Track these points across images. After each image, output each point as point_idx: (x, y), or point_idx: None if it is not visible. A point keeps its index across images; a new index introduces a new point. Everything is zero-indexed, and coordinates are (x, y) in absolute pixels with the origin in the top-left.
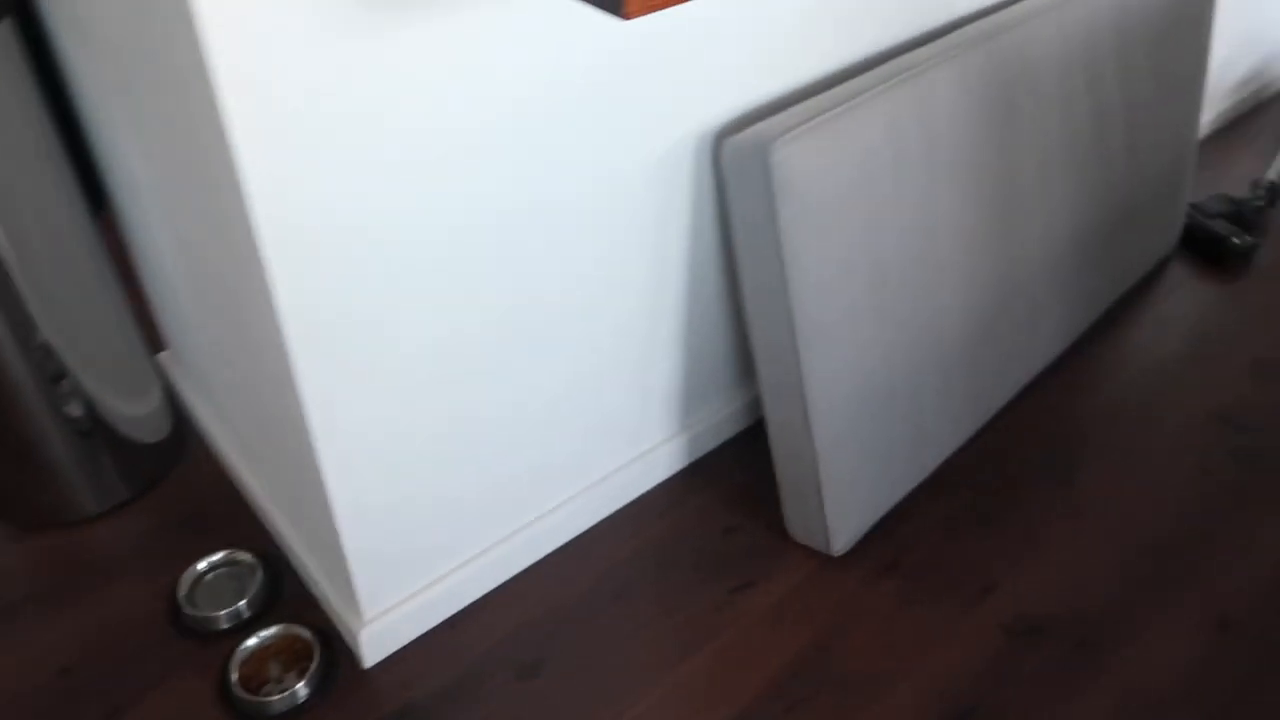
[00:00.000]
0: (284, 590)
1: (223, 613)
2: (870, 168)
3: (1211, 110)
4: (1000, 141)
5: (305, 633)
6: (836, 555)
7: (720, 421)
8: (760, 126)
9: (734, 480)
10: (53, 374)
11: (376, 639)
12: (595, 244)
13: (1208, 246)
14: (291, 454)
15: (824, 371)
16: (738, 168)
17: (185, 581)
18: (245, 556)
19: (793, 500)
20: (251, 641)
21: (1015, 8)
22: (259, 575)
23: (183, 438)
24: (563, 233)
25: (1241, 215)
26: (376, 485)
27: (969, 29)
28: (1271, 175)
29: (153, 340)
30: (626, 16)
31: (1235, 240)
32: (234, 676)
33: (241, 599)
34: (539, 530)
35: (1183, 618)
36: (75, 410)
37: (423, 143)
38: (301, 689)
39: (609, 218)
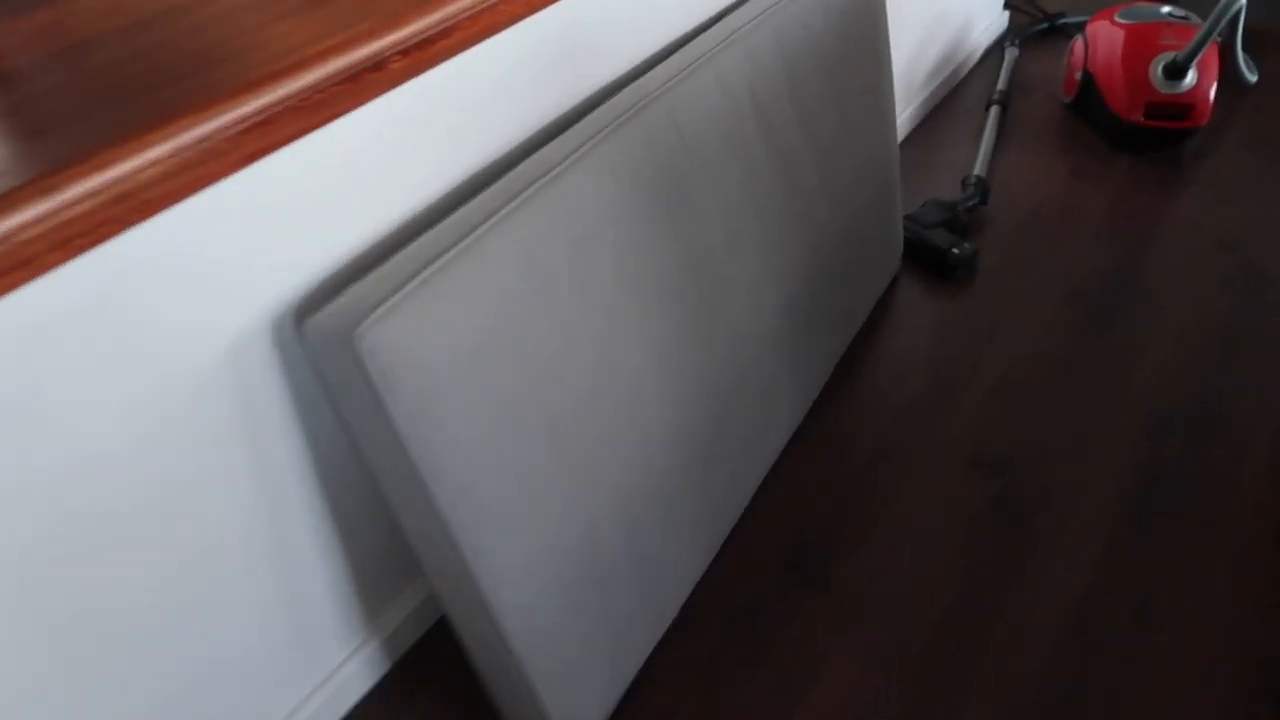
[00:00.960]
0: None
1: None
2: (507, 313)
3: (910, 106)
4: (673, 226)
5: None
6: None
7: (419, 609)
8: (344, 301)
9: (449, 672)
10: None
11: None
12: (150, 498)
13: (930, 260)
14: None
15: (501, 564)
16: (325, 356)
17: None
18: None
19: (508, 703)
20: None
21: (659, 70)
22: None
23: None
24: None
25: (957, 220)
26: None
27: (606, 108)
28: (978, 170)
29: None
30: None
31: (955, 251)
32: None
33: None
34: None
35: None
36: None
37: None
38: None
39: (162, 446)
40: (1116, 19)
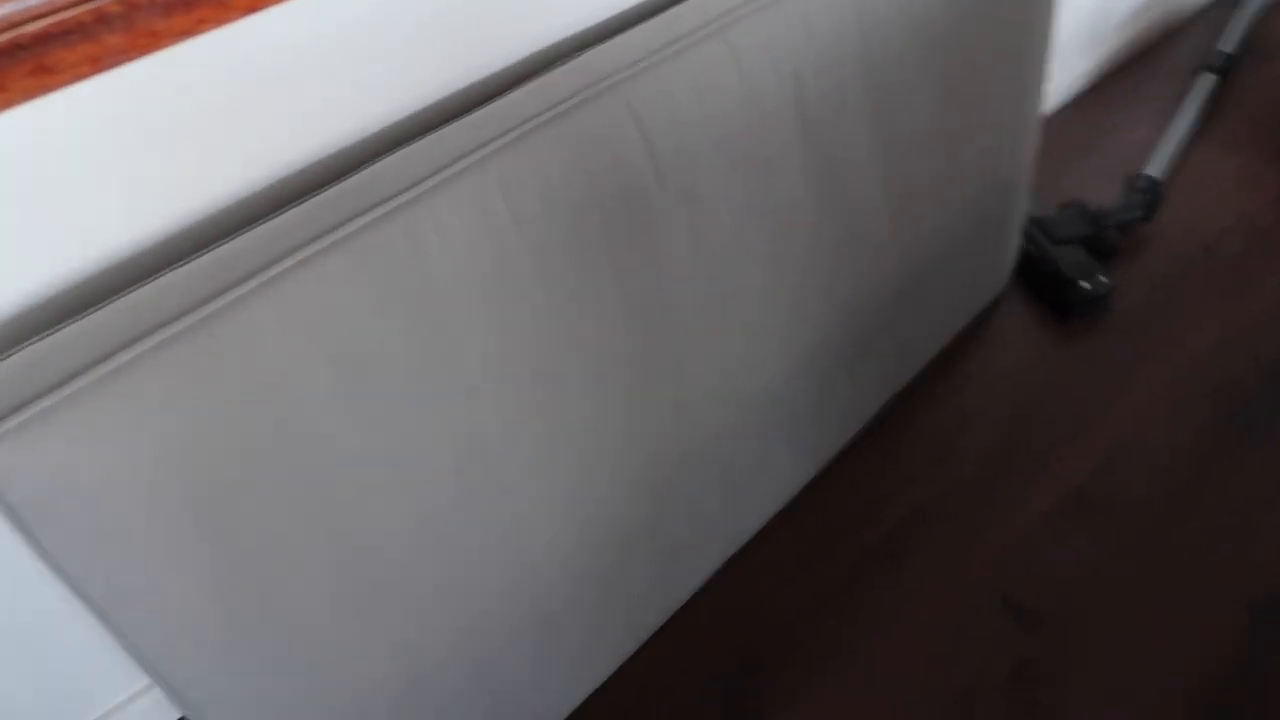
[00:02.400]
0: None
1: None
2: (273, 422)
3: (1090, 57)
4: (610, 273)
5: None
6: None
7: None
8: None
9: None
10: None
11: None
12: None
13: (1049, 287)
14: None
15: None
16: None
17: None
18: None
19: None
20: None
21: (633, 35)
22: None
23: None
24: None
25: (1102, 238)
26: None
27: (519, 95)
28: (1153, 168)
29: None
30: None
31: (1084, 284)
32: None
33: None
34: None
35: None
36: None
37: None
38: None
39: None
40: None
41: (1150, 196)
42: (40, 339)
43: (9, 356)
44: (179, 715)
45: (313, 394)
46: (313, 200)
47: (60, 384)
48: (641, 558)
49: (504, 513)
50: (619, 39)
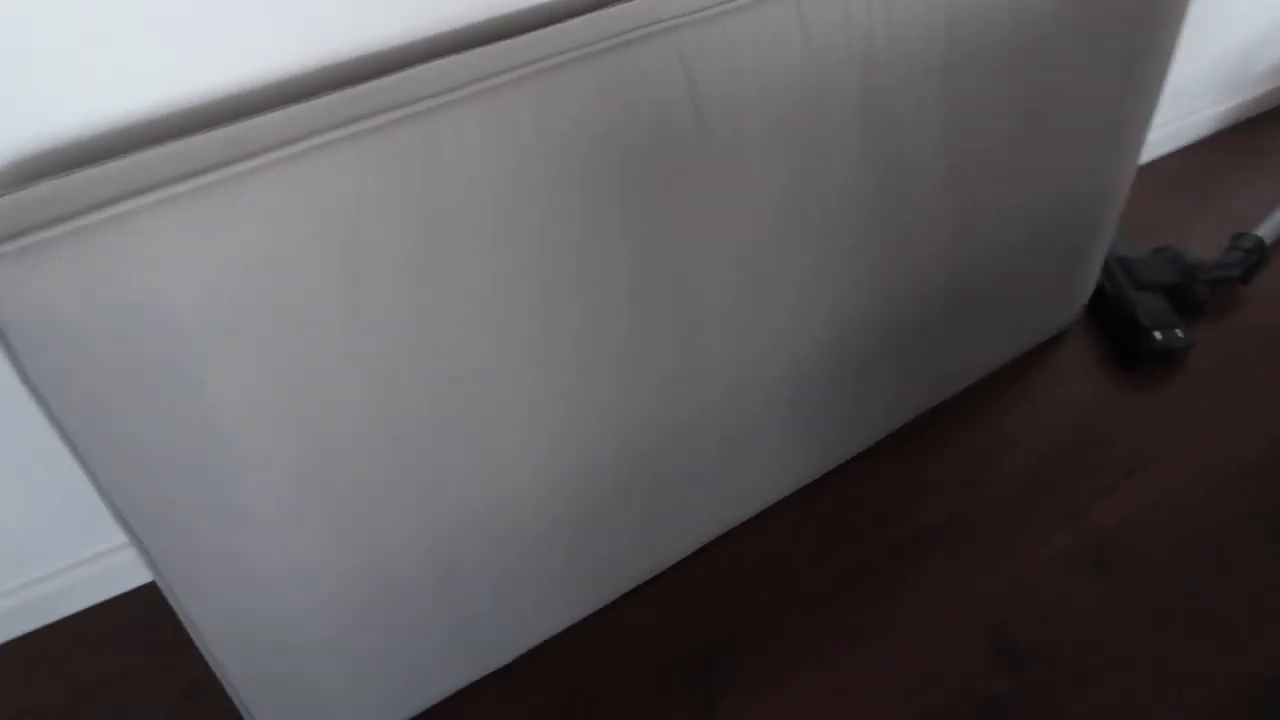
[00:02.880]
0: None
1: None
2: (263, 286)
3: (1221, 103)
4: (631, 221)
5: None
6: None
7: None
8: (19, 200)
9: None
10: None
11: None
12: None
13: (1121, 332)
14: None
15: (209, 592)
16: None
17: None
18: None
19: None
20: None
21: None
22: None
23: None
24: None
25: (1190, 290)
26: None
27: (570, 25)
28: (1264, 230)
29: None
30: None
31: (1158, 335)
32: None
33: None
34: None
35: None
36: None
37: None
38: None
39: None
40: None
41: (1253, 258)
42: (57, 177)
43: (25, 189)
44: (149, 579)
45: (310, 276)
46: (341, 93)
47: (62, 220)
48: (622, 515)
49: (482, 442)
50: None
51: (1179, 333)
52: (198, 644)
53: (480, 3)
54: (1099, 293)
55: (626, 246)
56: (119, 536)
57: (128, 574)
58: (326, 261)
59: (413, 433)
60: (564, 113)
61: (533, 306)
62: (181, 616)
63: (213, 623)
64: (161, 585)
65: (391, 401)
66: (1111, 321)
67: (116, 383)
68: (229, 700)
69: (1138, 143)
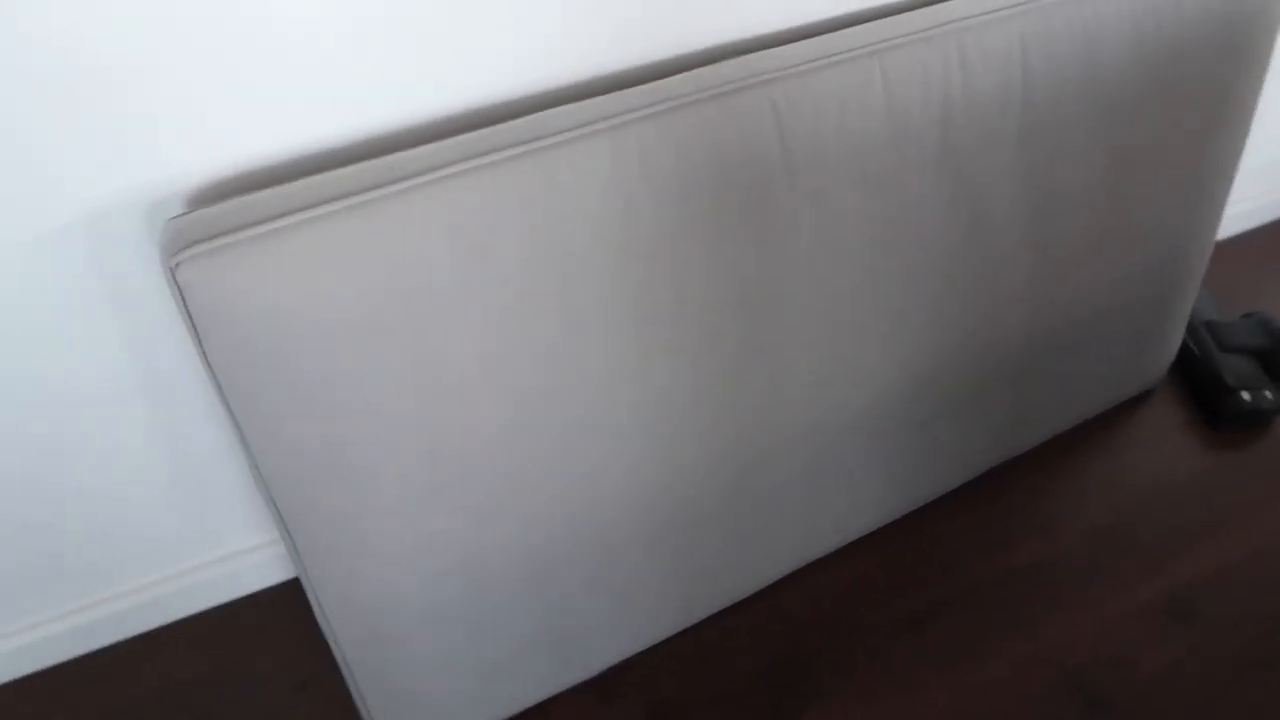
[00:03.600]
0: None
1: None
2: (401, 296)
3: None
4: (724, 256)
5: None
6: None
7: None
8: (207, 214)
9: None
10: None
11: None
12: None
13: (1208, 392)
14: None
15: (334, 554)
16: (164, 271)
17: None
18: None
19: (349, 684)
20: None
21: (795, 48)
22: None
23: None
24: None
25: (1278, 355)
26: None
27: (681, 78)
28: None
29: None
30: None
31: (1245, 395)
32: None
33: None
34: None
35: None
36: None
37: None
38: None
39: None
40: None
41: None
42: (242, 196)
43: (217, 204)
44: (292, 575)
45: (443, 286)
46: (480, 131)
47: (244, 228)
48: (711, 533)
49: (584, 446)
50: (792, 47)
51: (1266, 394)
52: (321, 624)
53: (594, 61)
54: (1185, 355)
55: (723, 278)
56: (250, 539)
57: (260, 573)
58: (458, 273)
59: (525, 431)
60: (666, 152)
61: (636, 327)
62: (311, 597)
63: (337, 602)
64: (296, 564)
65: (508, 400)
66: (1197, 382)
67: (276, 369)
68: (337, 694)
69: (1219, 204)
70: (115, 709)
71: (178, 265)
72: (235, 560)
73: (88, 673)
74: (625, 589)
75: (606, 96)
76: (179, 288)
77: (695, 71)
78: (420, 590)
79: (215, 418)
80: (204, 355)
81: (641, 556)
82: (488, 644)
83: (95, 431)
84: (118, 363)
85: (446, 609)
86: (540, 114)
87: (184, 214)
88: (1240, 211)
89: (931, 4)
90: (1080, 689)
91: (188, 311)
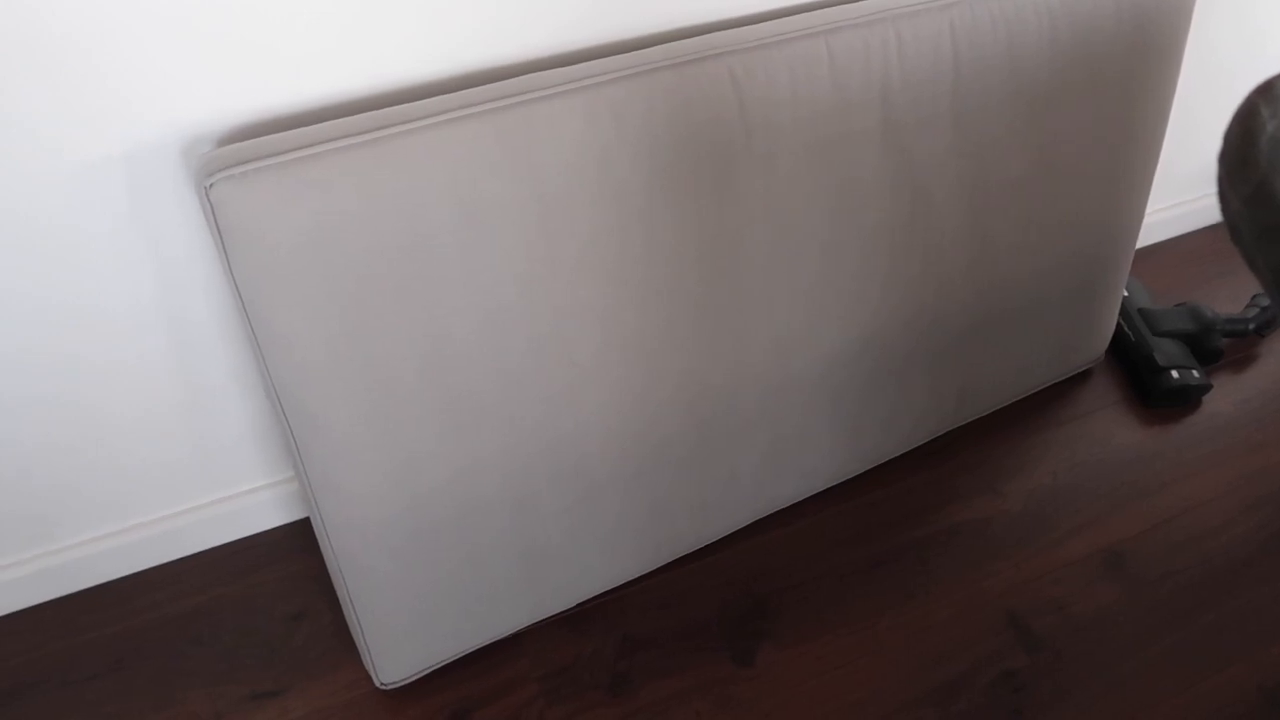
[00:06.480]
0: None
1: None
2: (406, 230)
3: None
4: (692, 209)
5: None
6: (385, 688)
7: None
8: (242, 147)
9: None
10: None
11: None
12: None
13: (1140, 372)
14: None
15: (336, 474)
16: (199, 193)
17: None
18: None
19: (345, 609)
20: None
21: (755, 29)
22: None
23: None
24: None
25: (1206, 341)
26: None
27: (652, 50)
28: None
29: None
30: None
31: (1174, 374)
32: None
33: None
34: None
35: None
36: None
37: None
38: None
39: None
40: None
41: (1269, 315)
42: (268, 136)
43: (245, 142)
44: (294, 518)
45: (442, 215)
46: (474, 89)
47: (266, 157)
48: (685, 482)
49: (561, 376)
50: (737, 30)
51: (1194, 372)
52: (325, 554)
53: (565, 36)
54: (1121, 338)
55: (689, 229)
56: (258, 478)
57: (266, 513)
58: (454, 205)
59: (510, 355)
60: (635, 110)
61: (609, 272)
62: (316, 526)
63: (336, 514)
64: (303, 487)
65: (498, 323)
66: (1131, 362)
67: (293, 287)
68: (328, 624)
69: (1141, 197)
70: (113, 636)
71: (211, 185)
72: (244, 499)
73: (92, 603)
74: (595, 520)
75: (580, 64)
76: (211, 206)
77: (661, 46)
78: (413, 510)
79: (233, 357)
80: (230, 271)
81: (616, 498)
82: (470, 574)
83: (118, 360)
84: (146, 290)
85: (435, 536)
86: (522, 77)
87: (216, 150)
88: (1179, 214)
89: None
90: (1018, 628)
91: (218, 228)
